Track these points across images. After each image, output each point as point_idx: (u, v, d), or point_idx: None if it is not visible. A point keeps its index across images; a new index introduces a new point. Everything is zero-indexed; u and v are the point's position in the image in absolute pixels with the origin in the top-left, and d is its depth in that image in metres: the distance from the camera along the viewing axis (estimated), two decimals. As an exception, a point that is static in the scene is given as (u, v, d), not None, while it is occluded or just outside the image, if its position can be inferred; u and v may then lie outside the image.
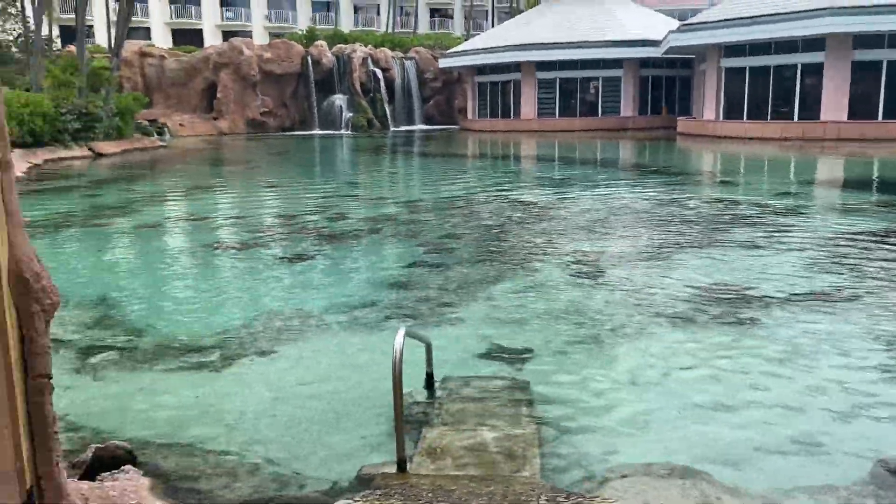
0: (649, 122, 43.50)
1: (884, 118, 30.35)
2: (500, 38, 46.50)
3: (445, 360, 6.05)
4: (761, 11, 31.80)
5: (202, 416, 5.29)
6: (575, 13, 45.30)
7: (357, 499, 3.83)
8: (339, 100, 48.58)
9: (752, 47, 33.51)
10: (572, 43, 42.47)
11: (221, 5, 62.67)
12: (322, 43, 49.05)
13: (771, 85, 33.13)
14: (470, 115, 49.49)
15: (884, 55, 30.21)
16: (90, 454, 4.21)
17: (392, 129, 49.33)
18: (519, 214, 13.76)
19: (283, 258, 10.47)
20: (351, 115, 48.22)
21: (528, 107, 44.89)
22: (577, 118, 43.93)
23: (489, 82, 47.31)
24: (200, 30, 61.33)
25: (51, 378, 2.71)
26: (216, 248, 11.44)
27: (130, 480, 3.96)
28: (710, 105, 36.03)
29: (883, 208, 13.87)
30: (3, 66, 34.87)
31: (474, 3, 65.31)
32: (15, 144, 24.82)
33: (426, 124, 52.19)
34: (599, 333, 6.87)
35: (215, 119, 46.74)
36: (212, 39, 58.92)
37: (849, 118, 30.80)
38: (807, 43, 31.22)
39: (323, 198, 17.16)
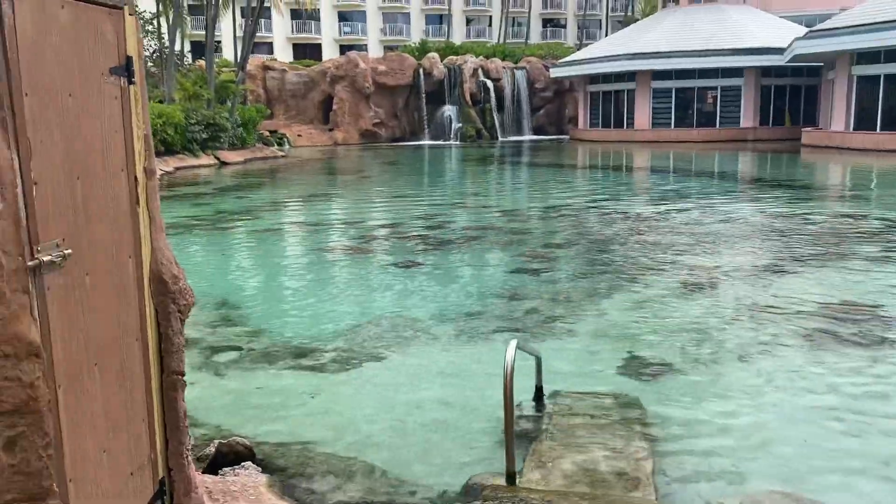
0: (771, 134, 41.54)
1: None
2: (614, 47, 45.72)
3: (555, 375, 5.96)
4: (899, 15, 29.81)
5: (316, 416, 5.44)
6: (693, 20, 43.94)
7: (467, 509, 3.82)
8: (448, 110, 49.14)
9: (888, 54, 31.40)
10: (690, 51, 41.19)
11: (339, 20, 64.88)
12: (434, 55, 49.82)
13: (908, 93, 30.98)
14: (581, 125, 48.89)
15: None
16: (213, 449, 4.41)
17: (501, 139, 49.39)
18: (631, 226, 13.43)
19: (392, 264, 10.66)
20: (460, 125, 48.66)
21: (642, 117, 43.86)
22: (694, 129, 42.51)
23: (601, 92, 46.57)
24: (319, 44, 63.70)
25: (184, 375, 2.85)
26: (329, 253, 11.79)
27: (250, 476, 4.12)
28: (838, 115, 34.02)
29: None
30: (140, 79, 37.25)
31: (587, 13, 64.57)
32: (149, 153, 26.58)
33: (535, 134, 51.96)
34: (718, 351, 6.59)
35: (331, 130, 48.32)
36: (330, 53, 61.05)
37: None
38: (951, 48, 29.00)
39: (431, 206, 17.37)
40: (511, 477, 4.23)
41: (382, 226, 14.77)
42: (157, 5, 38.08)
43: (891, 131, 31.34)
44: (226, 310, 8.42)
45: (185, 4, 36.42)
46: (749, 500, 4.07)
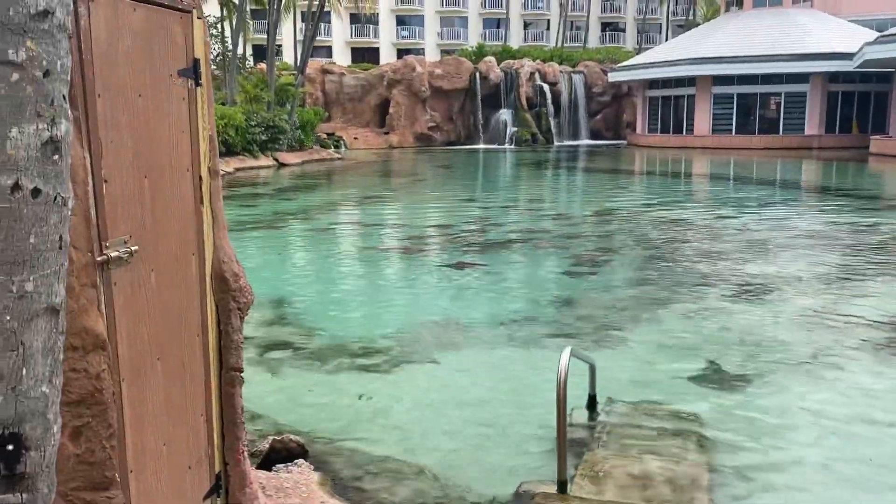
0: (837, 142, 40.20)
1: None
2: (674, 52, 44.95)
3: (609, 383, 5.88)
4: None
5: (368, 417, 5.47)
6: (757, 25, 42.89)
7: (517, 516, 3.79)
8: (504, 114, 49.03)
9: (965, 59, 30.14)
10: (753, 56, 40.20)
11: (397, 24, 65.43)
12: (490, 59, 49.79)
13: None
14: (639, 130, 48.21)
15: None
16: (267, 445, 4.47)
17: (556, 143, 49.05)
18: (688, 234, 13.16)
19: (444, 266, 10.67)
20: (515, 129, 48.49)
21: (703, 123, 43.00)
22: (756, 136, 41.45)
23: (661, 97, 45.82)
24: (377, 48, 64.34)
25: (242, 371, 2.90)
26: (383, 254, 11.89)
27: (302, 474, 4.16)
28: (910, 123, 32.76)
29: None
30: (203, 82, 38.21)
31: (647, 17, 63.66)
32: (211, 153, 27.23)
33: (592, 139, 51.44)
34: (779, 364, 6.40)
35: (386, 133, 48.72)
36: (387, 57, 61.60)
37: None
38: None
39: (484, 209, 17.35)
40: (562, 485, 4.18)
41: (435, 228, 14.81)
42: (222, 10, 39.03)
43: (966, 140, 30.02)
44: (281, 308, 8.56)
45: (248, 9, 37.21)
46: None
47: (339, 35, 63.34)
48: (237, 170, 28.54)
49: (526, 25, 68.99)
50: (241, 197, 20.75)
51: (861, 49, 35.06)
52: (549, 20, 68.49)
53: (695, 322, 7.77)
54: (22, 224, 1.44)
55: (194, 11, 2.66)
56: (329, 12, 43.89)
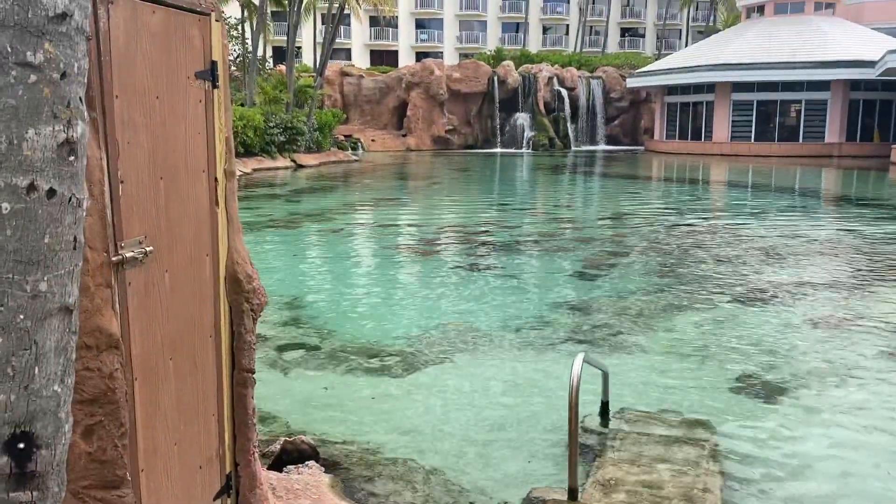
0: (858, 150, 39.77)
1: None
2: (694, 58, 44.70)
3: (622, 391, 5.85)
4: None
5: (380, 419, 5.47)
6: (777, 31, 42.55)
7: (526, 523, 3.77)
8: (521, 118, 48.97)
9: None
10: (774, 63, 39.89)
11: (416, 28, 65.57)
12: (509, 63, 49.76)
13: None
14: (656, 136, 47.98)
15: None
16: (279, 446, 4.48)
17: (574, 148, 48.91)
18: (706, 241, 13.07)
19: (458, 268, 10.67)
20: (532, 133, 48.41)
21: (721, 130, 42.71)
22: (776, 143, 41.12)
23: (679, 103, 45.58)
24: (396, 51, 64.50)
25: (254, 372, 2.91)
26: (398, 256, 11.90)
27: (313, 476, 4.17)
28: (932, 132, 32.37)
29: None
30: (223, 83, 38.50)
31: (667, 23, 63.35)
32: (229, 154, 27.40)
33: (609, 144, 51.25)
34: (795, 373, 6.33)
35: (404, 136, 48.80)
36: (406, 59, 61.72)
37: None
38: None
39: (499, 212, 17.33)
40: (573, 492, 4.16)
41: (451, 230, 14.81)
42: (242, 11, 39.28)
43: None
44: (296, 309, 8.59)
45: (269, 11, 37.44)
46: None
47: (359, 37, 63.56)
48: (255, 170, 28.70)
49: (545, 30, 68.89)
50: (259, 197, 20.86)
51: (883, 57, 34.69)
52: (567, 25, 68.35)
53: (709, 329, 7.72)
54: (37, 224, 1.45)
55: (212, 14, 2.68)
56: (349, 15, 44.05)
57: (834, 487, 4.48)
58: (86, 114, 1.57)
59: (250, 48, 35.45)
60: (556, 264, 11.32)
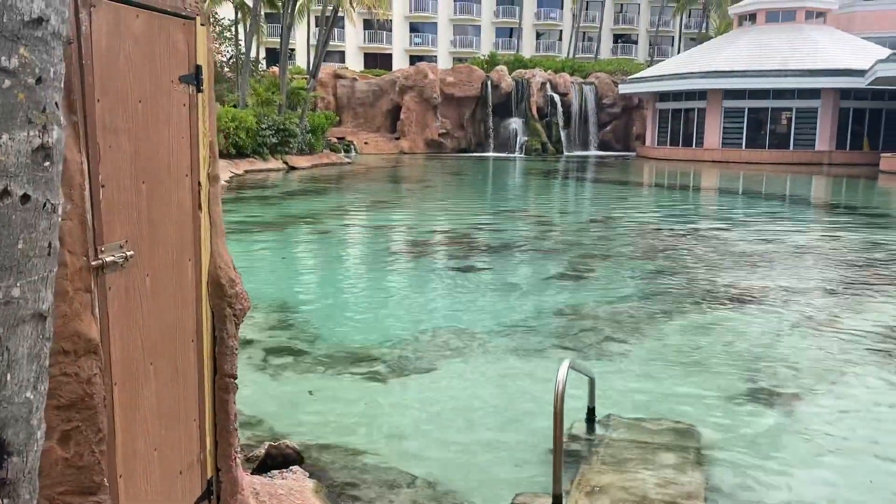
0: (847, 158, 40.03)
1: None
2: (686, 65, 44.91)
3: (609, 397, 5.85)
4: None
5: (366, 424, 5.46)
6: (769, 39, 42.79)
7: (510, 529, 3.76)
8: (514, 123, 49.07)
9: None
10: (765, 71, 40.11)
11: (411, 31, 65.62)
12: (502, 68, 49.87)
13: None
14: (648, 143, 48.15)
15: None
16: (263, 451, 4.46)
17: (566, 153, 49.05)
18: (695, 246, 13.11)
19: (449, 272, 10.66)
20: (525, 138, 48.53)
21: (712, 136, 42.91)
22: (766, 150, 41.34)
23: (671, 109, 45.77)
24: (390, 54, 64.52)
25: (236, 378, 2.89)
26: (389, 259, 11.89)
27: (297, 481, 4.15)
28: (921, 141, 32.59)
29: None
30: (216, 84, 38.46)
31: (660, 29, 63.64)
32: (220, 155, 27.27)
33: (601, 150, 51.42)
34: (781, 380, 6.35)
35: (397, 139, 48.81)
36: (400, 63, 61.75)
37: None
38: None
39: (491, 216, 17.34)
40: (557, 499, 4.15)
41: (442, 234, 14.81)
42: (236, 13, 39.22)
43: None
44: (285, 313, 8.56)
45: (262, 12, 37.38)
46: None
47: (353, 40, 63.55)
48: (247, 172, 28.62)
49: (538, 35, 69.06)
50: (250, 199, 20.81)
51: (873, 66, 34.95)
52: (561, 31, 68.55)
53: (696, 335, 7.73)
54: (10, 230, 1.44)
55: (197, 18, 2.67)
56: (343, 17, 44.05)
57: (818, 495, 4.49)
58: (62, 119, 1.56)
59: (243, 49, 35.38)
60: (546, 268, 11.33)
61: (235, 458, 3.05)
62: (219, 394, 2.90)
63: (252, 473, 4.19)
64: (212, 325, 2.85)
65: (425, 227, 16.05)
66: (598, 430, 5.35)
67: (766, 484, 4.60)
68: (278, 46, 36.13)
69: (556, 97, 49.69)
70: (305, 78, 38.97)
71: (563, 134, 49.89)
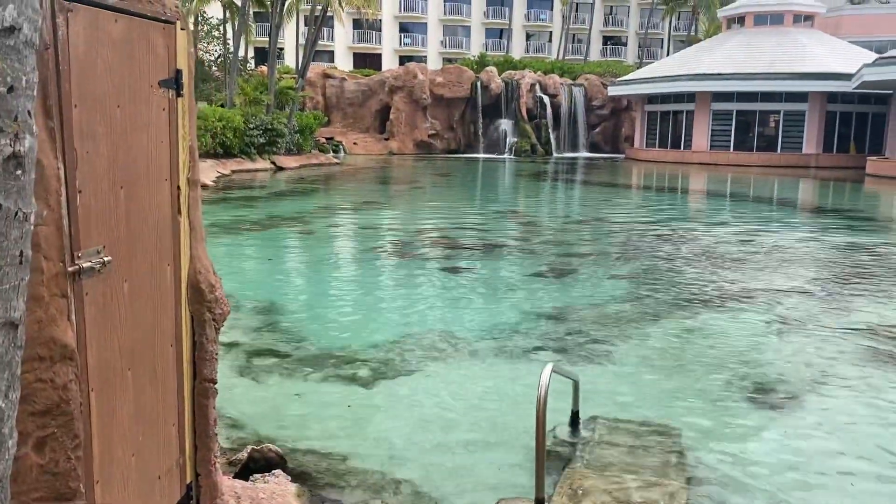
0: (834, 161, 40.35)
1: None
2: (675, 67, 45.12)
3: (593, 400, 5.87)
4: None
5: (350, 428, 5.46)
6: (758, 43, 43.07)
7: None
8: (504, 124, 49.16)
9: (963, 83, 30.26)
10: (753, 74, 40.38)
11: (400, 31, 65.59)
12: (492, 69, 49.94)
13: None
14: (637, 145, 48.35)
15: None
16: (245, 455, 4.46)
17: (555, 155, 49.17)
18: (682, 248, 13.18)
19: (436, 275, 10.67)
20: (515, 140, 48.62)
21: (701, 139, 43.14)
22: (754, 153, 41.61)
23: (660, 112, 45.98)
24: (379, 54, 64.46)
25: (216, 383, 2.89)
26: (376, 261, 11.88)
27: (279, 485, 4.15)
28: (907, 145, 32.88)
29: None
30: (203, 83, 38.42)
31: (649, 32, 63.92)
32: (208, 155, 27.19)
33: (590, 152, 51.59)
34: (765, 381, 6.40)
35: (386, 139, 48.79)
36: (389, 63, 61.72)
37: None
38: None
39: (480, 218, 17.36)
40: (540, 502, 4.17)
41: (430, 236, 14.81)
42: (224, 12, 39.09)
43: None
44: (270, 315, 8.54)
45: (251, 11, 37.26)
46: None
47: (342, 40, 63.44)
48: (234, 172, 28.51)
49: (528, 37, 69.19)
50: (237, 200, 20.74)
51: (860, 70, 35.25)
52: (551, 32, 68.72)
53: (681, 337, 7.78)
54: (-19, 239, 1.44)
55: (177, 22, 2.66)
56: (332, 17, 43.99)
57: (799, 497, 4.53)
58: (34, 127, 1.56)
59: (231, 49, 35.27)
60: (534, 270, 11.35)
61: (215, 463, 3.05)
62: (198, 399, 2.89)
63: (234, 477, 4.19)
64: (191, 329, 2.85)
65: (413, 228, 16.06)
66: (583, 432, 5.38)
67: (748, 485, 4.64)
68: (267, 46, 36.03)
69: (546, 98, 49.80)
70: (294, 77, 38.88)
71: (552, 135, 50.02)
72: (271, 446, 4.67)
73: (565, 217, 19.65)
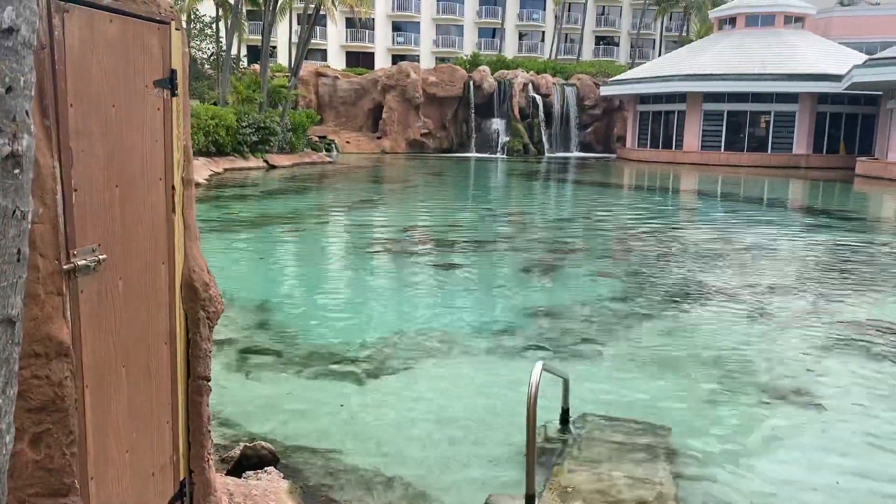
0: (824, 162, 40.56)
1: None
2: (666, 67, 45.26)
3: (584, 397, 5.92)
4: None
5: (343, 426, 5.48)
6: (749, 44, 43.25)
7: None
8: (496, 124, 49.22)
9: (951, 85, 30.46)
10: (744, 74, 40.54)
11: (393, 30, 65.57)
12: (485, 68, 49.99)
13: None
14: (629, 145, 48.49)
15: None
16: (238, 452, 4.48)
17: (547, 154, 49.25)
18: (672, 247, 13.25)
19: (428, 273, 10.70)
20: (507, 139, 48.70)
21: (692, 139, 43.31)
22: (745, 153, 41.78)
23: (651, 112, 46.13)
24: (372, 52, 64.42)
25: (209, 380, 2.91)
26: (368, 259, 11.90)
27: (272, 482, 4.17)
28: (896, 146, 33.11)
29: None
30: (196, 81, 38.34)
31: (641, 32, 64.08)
32: (200, 153, 27.12)
33: (583, 151, 51.71)
34: (753, 379, 6.45)
35: (379, 138, 48.76)
36: (382, 62, 61.69)
37: None
38: None
39: (472, 217, 17.40)
40: (530, 499, 4.20)
41: (423, 235, 14.83)
42: (217, 10, 39.01)
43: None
44: (264, 313, 8.55)
45: (244, 10, 37.20)
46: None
47: (335, 39, 63.36)
48: (226, 170, 28.46)
49: (521, 36, 69.27)
50: (230, 198, 20.71)
51: (850, 71, 35.44)
52: (543, 32, 68.81)
53: (671, 335, 7.83)
54: (-21, 237, 1.46)
55: (172, 23, 2.68)
56: (325, 16, 43.94)
57: (786, 494, 4.59)
58: (32, 127, 1.58)
59: (224, 47, 35.20)
60: (525, 268, 11.40)
61: (209, 460, 3.07)
62: (192, 396, 2.91)
63: (227, 474, 4.21)
64: (185, 328, 2.87)
65: (406, 227, 16.07)
66: (573, 430, 5.42)
67: (736, 483, 4.69)
68: (259, 44, 35.97)
69: (539, 98, 49.88)
70: (287, 76, 38.84)
71: (544, 135, 50.12)
72: (264, 443, 4.69)
73: (557, 216, 19.71)
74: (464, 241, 13.96)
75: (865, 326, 8.34)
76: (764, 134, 42.07)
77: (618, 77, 49.72)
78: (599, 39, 70.80)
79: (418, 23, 65.93)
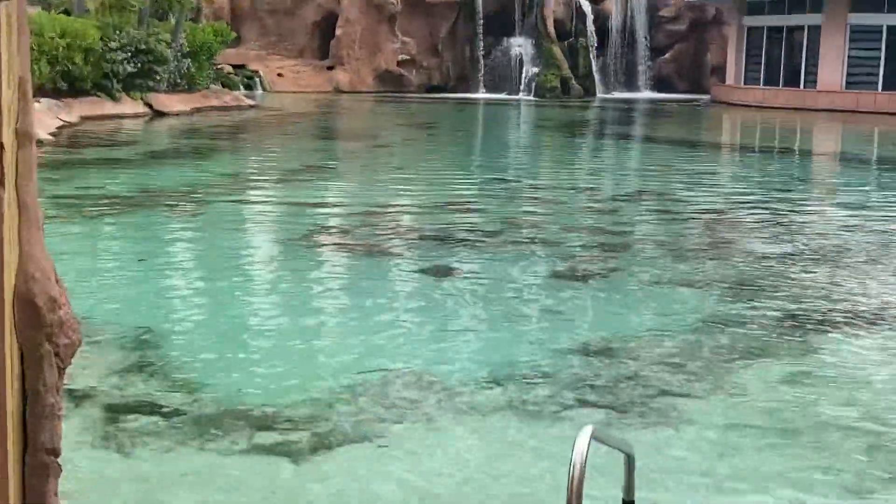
0: None
1: None
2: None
3: (656, 483, 5.94)
4: None
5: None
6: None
7: None
8: (518, 46, 49.35)
9: None
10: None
11: None
12: (501, -44, 50.17)
13: None
14: (730, 80, 48.65)
15: None
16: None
17: (600, 95, 49.42)
18: (799, 245, 13.29)
19: (409, 279, 10.72)
20: (536, 71, 48.79)
21: (832, 71, 43.40)
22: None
23: (766, 27, 46.26)
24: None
25: (58, 455, 2.91)
26: (314, 261, 11.92)
27: None
28: None
29: None
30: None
31: None
32: (43, 92, 26.97)
33: (657, 91, 51.93)
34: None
35: (330, 68, 48.83)
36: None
37: None
38: None
39: (477, 197, 17.41)
40: None
41: (400, 223, 14.86)
42: None
43: None
44: (145, 348, 8.55)
45: None
46: None
47: None
48: (85, 118, 28.45)
49: None
50: (90, 163, 20.71)
51: None
52: None
53: (797, 386, 7.84)
54: None
55: None
56: None
57: None
58: None
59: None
60: (560, 274, 11.41)
61: (57, 583, 3.07)
62: (30, 480, 2.91)
63: None
64: (20, 371, 2.87)
65: (375, 209, 16.07)
66: (639, 535, 5.44)
67: None
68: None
69: (586, 6, 50.00)
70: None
71: (595, 65, 50.30)
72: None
73: (613, 193, 19.76)
74: (464, 232, 13.98)
75: None
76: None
77: (713, -28, 49.93)
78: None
79: None
